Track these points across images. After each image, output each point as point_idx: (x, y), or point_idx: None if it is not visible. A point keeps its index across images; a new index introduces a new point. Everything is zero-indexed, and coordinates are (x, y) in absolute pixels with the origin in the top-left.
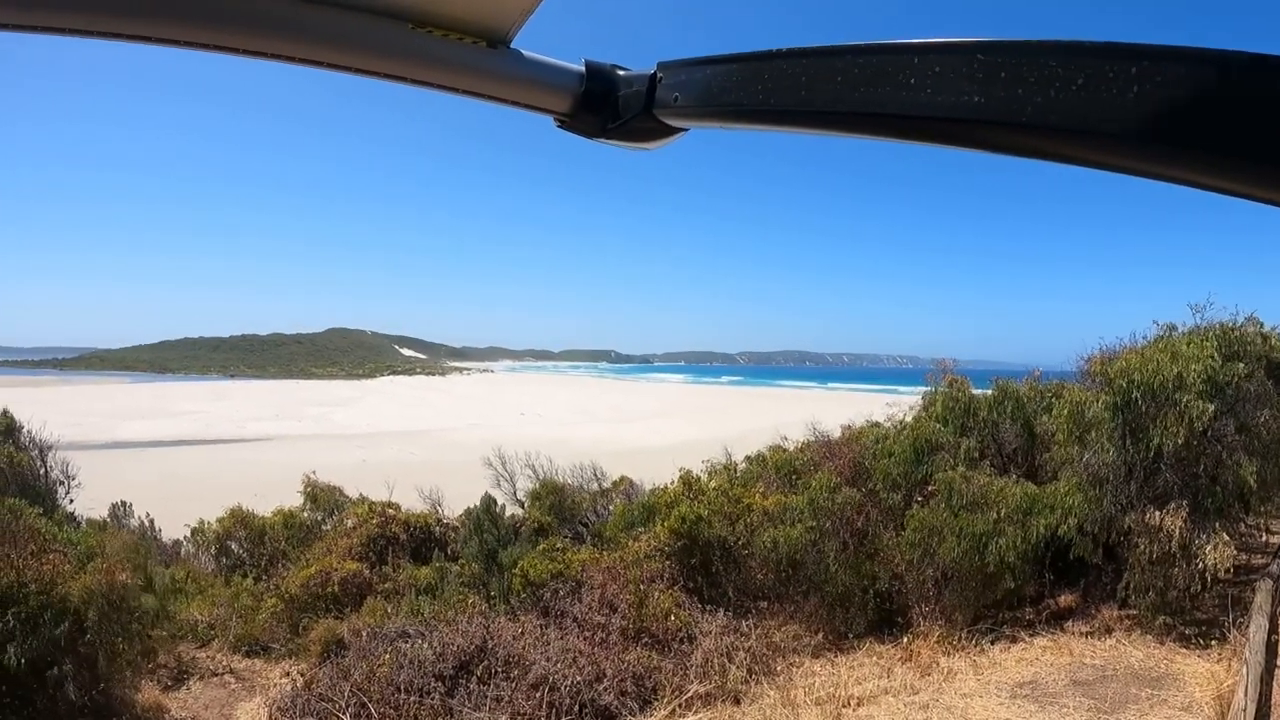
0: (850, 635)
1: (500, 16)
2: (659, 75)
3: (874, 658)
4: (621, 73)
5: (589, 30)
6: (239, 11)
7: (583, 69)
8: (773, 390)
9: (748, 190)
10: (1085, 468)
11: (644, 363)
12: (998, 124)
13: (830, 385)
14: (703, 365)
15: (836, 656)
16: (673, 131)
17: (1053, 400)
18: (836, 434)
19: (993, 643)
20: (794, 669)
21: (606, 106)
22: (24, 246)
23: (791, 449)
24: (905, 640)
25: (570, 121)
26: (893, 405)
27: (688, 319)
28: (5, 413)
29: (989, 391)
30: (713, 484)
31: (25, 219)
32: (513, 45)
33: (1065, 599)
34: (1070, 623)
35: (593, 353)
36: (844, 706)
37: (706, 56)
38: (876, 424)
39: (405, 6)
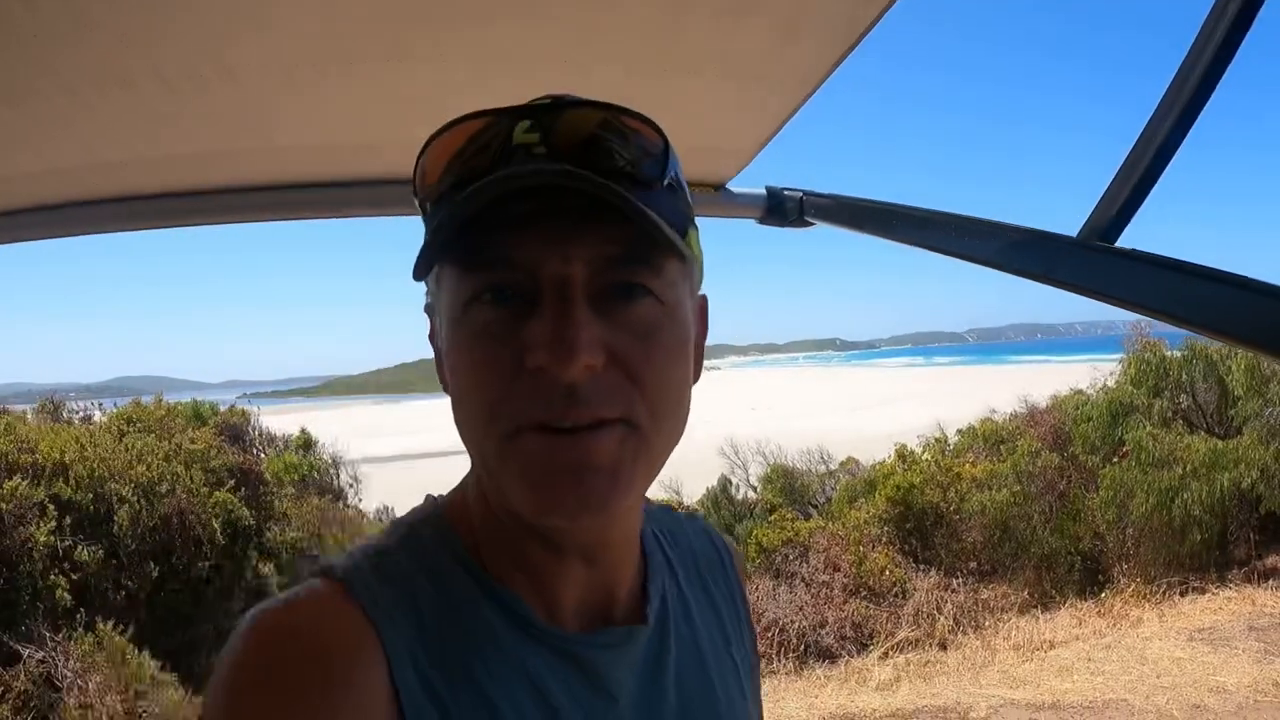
0: (1055, 594)
1: (722, 175)
2: (803, 196)
3: (1073, 612)
4: (786, 192)
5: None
6: None
7: (764, 191)
8: (999, 368)
9: (948, 139)
10: (1265, 422)
11: (870, 348)
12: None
13: (1059, 357)
14: (930, 346)
15: (1040, 614)
16: (812, 224)
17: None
18: (1044, 404)
19: (1182, 595)
20: (999, 624)
21: (780, 211)
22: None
23: (1000, 420)
24: (1103, 596)
25: (761, 219)
26: (1100, 371)
27: (912, 299)
28: (304, 430)
29: (1179, 352)
30: (926, 455)
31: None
32: (727, 186)
33: (1273, 559)
34: (1272, 581)
35: (818, 342)
36: (1037, 649)
37: (832, 194)
38: (1079, 391)
39: None
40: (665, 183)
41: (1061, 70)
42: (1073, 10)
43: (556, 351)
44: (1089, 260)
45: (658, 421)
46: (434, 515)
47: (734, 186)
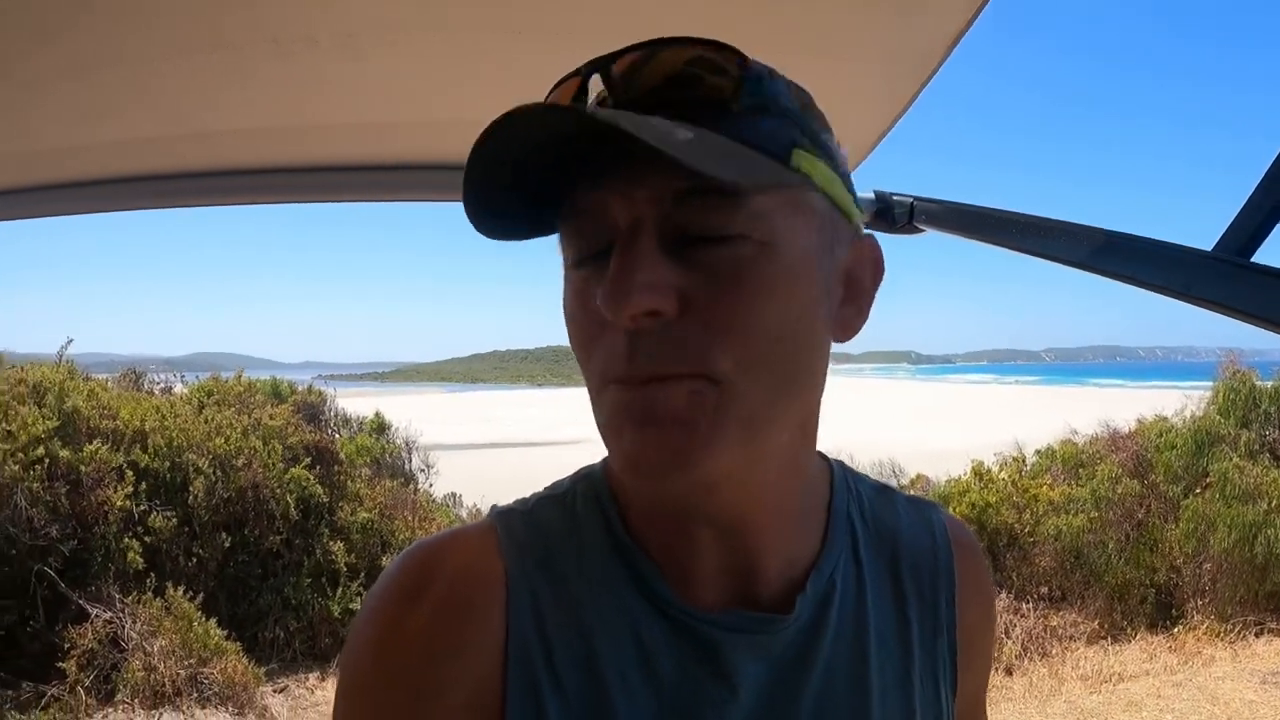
0: (1126, 626)
1: None
2: (914, 201)
3: (1144, 645)
4: (895, 197)
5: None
6: None
7: (872, 195)
8: (1077, 389)
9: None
10: None
11: (945, 363)
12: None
13: (1138, 382)
14: (1006, 364)
15: (1110, 645)
16: (922, 231)
17: None
18: (1125, 429)
19: (1257, 636)
20: (1067, 652)
21: (888, 216)
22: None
23: (1080, 442)
24: (1176, 631)
25: (867, 224)
26: (1189, 399)
27: (989, 314)
28: (378, 414)
29: (1271, 383)
30: (1003, 474)
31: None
32: None
33: None
34: None
35: (892, 354)
36: (1105, 681)
37: (939, 199)
38: (1163, 418)
39: None
40: (747, 105)
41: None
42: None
43: (608, 299)
44: (1226, 276)
45: (750, 373)
46: (597, 474)
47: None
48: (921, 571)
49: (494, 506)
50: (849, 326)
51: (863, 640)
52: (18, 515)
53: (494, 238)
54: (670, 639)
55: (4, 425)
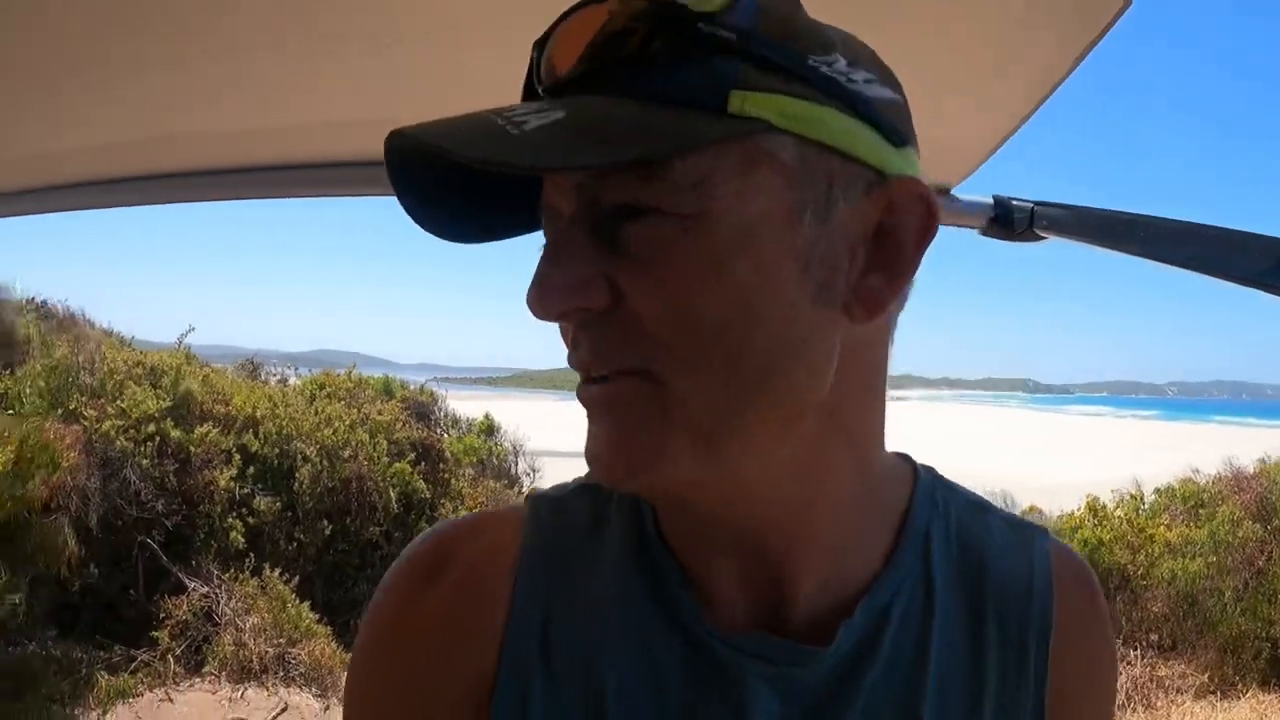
0: (1237, 680)
1: (947, 179)
2: (1034, 207)
3: (1255, 704)
4: (1015, 202)
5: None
6: None
7: (991, 199)
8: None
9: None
10: None
11: (1063, 393)
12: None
13: (1265, 421)
14: (1126, 396)
15: (1218, 700)
16: (1043, 238)
17: None
18: (1250, 469)
19: None
20: (1173, 705)
21: (1007, 222)
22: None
23: (1202, 481)
24: None
25: (984, 230)
26: None
27: (1111, 343)
28: (487, 416)
29: None
30: (1118, 512)
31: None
32: (951, 191)
33: None
34: None
35: (1010, 381)
36: None
37: (1062, 203)
38: None
39: None
40: (661, 52)
41: None
42: None
43: (529, 301)
44: None
45: (690, 373)
46: None
47: (959, 193)
48: (1009, 608)
49: (533, 489)
50: (875, 300)
51: (917, 685)
52: (126, 488)
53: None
54: (684, 657)
55: (118, 403)
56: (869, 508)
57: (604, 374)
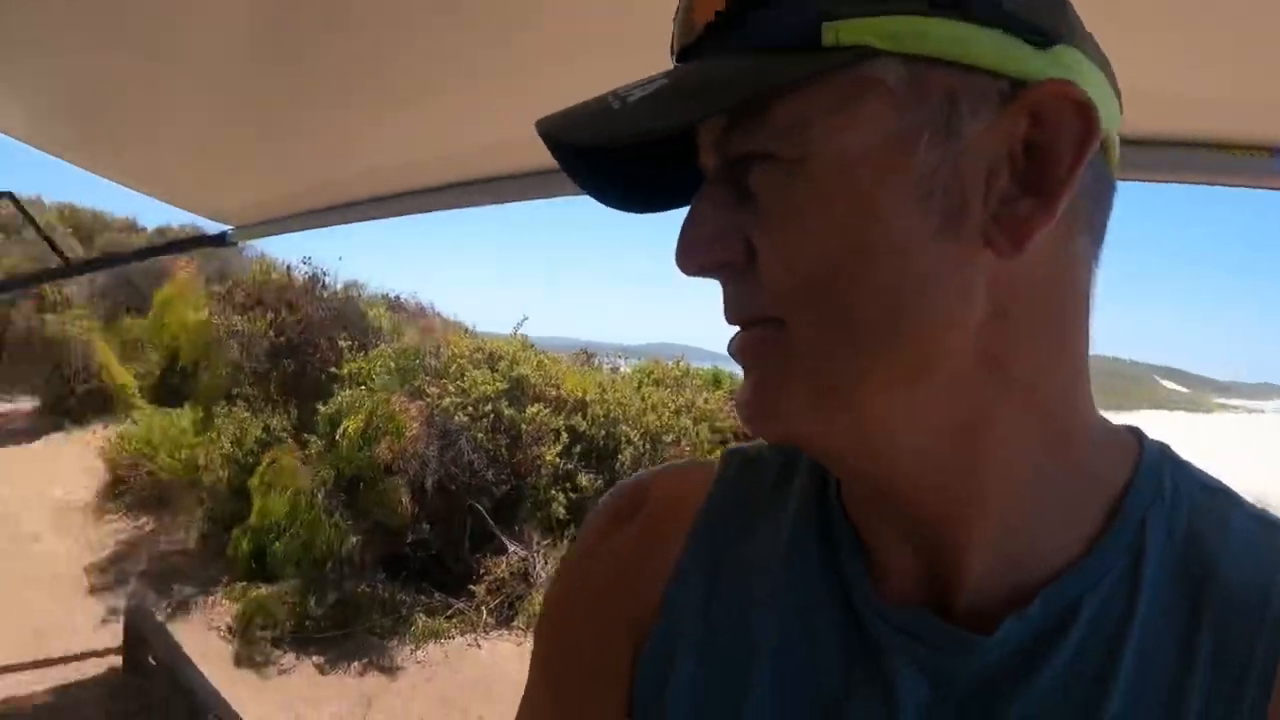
0: None
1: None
2: None
3: None
4: None
5: None
6: None
7: None
8: None
9: None
10: None
11: None
12: None
13: None
14: None
15: None
16: None
17: None
18: None
19: None
20: None
21: None
22: None
23: None
24: None
25: None
26: None
27: None
28: None
29: None
30: None
31: None
32: None
33: None
34: None
35: None
36: None
37: None
38: None
39: None
40: (748, 6)
41: None
42: None
43: (676, 259)
44: None
45: (804, 316)
46: None
47: None
48: (1235, 621)
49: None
50: (1020, 228)
51: (1098, 701)
52: (460, 458)
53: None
54: (841, 626)
55: (459, 383)
56: (1065, 483)
57: (743, 321)
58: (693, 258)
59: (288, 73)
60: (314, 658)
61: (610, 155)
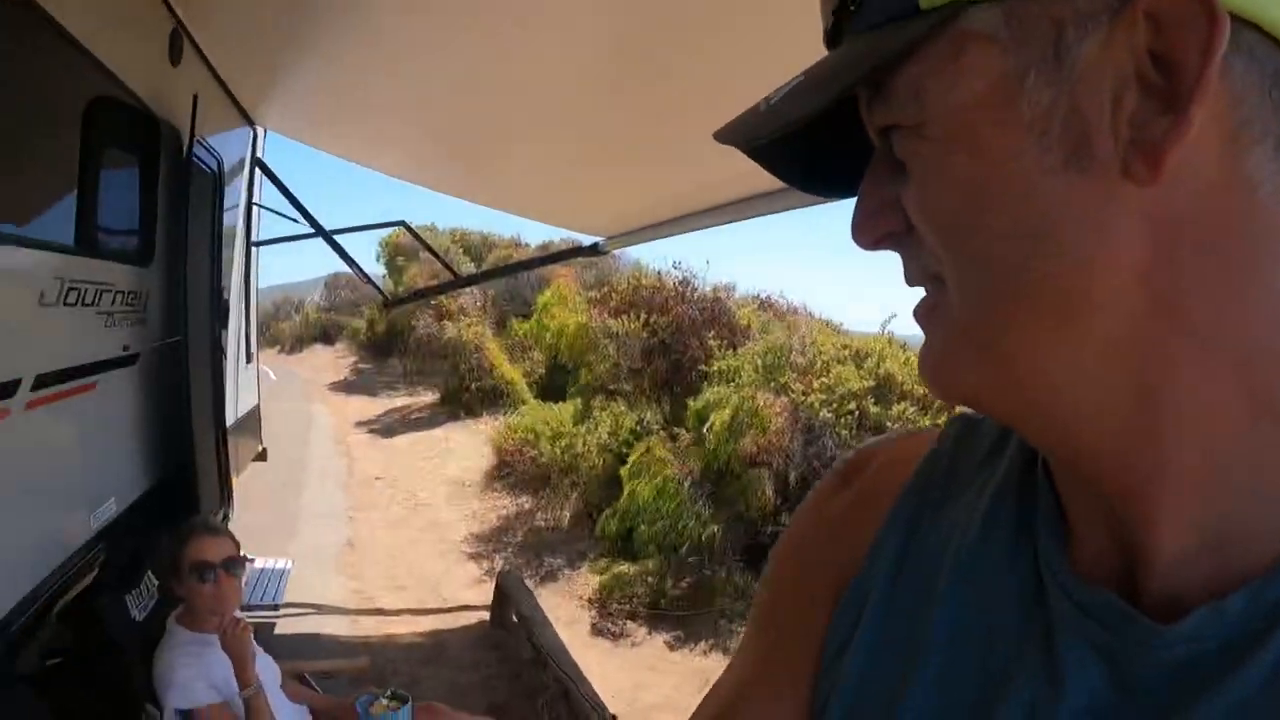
0: None
1: None
2: None
3: None
4: None
5: None
6: None
7: None
8: None
9: None
10: None
11: None
12: None
13: None
14: None
15: None
16: None
17: None
18: None
19: None
20: None
21: None
22: None
23: None
24: None
25: None
26: None
27: None
28: None
29: None
30: None
31: None
32: None
33: None
34: None
35: None
36: None
37: None
38: None
39: None
40: None
41: None
42: None
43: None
44: None
45: (950, 272)
46: None
47: None
48: None
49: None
50: (1154, 150)
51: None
52: (823, 453)
53: None
54: (1023, 596)
55: (824, 380)
56: None
57: (915, 284)
58: (863, 233)
59: (636, 106)
60: (664, 634)
61: (806, 149)
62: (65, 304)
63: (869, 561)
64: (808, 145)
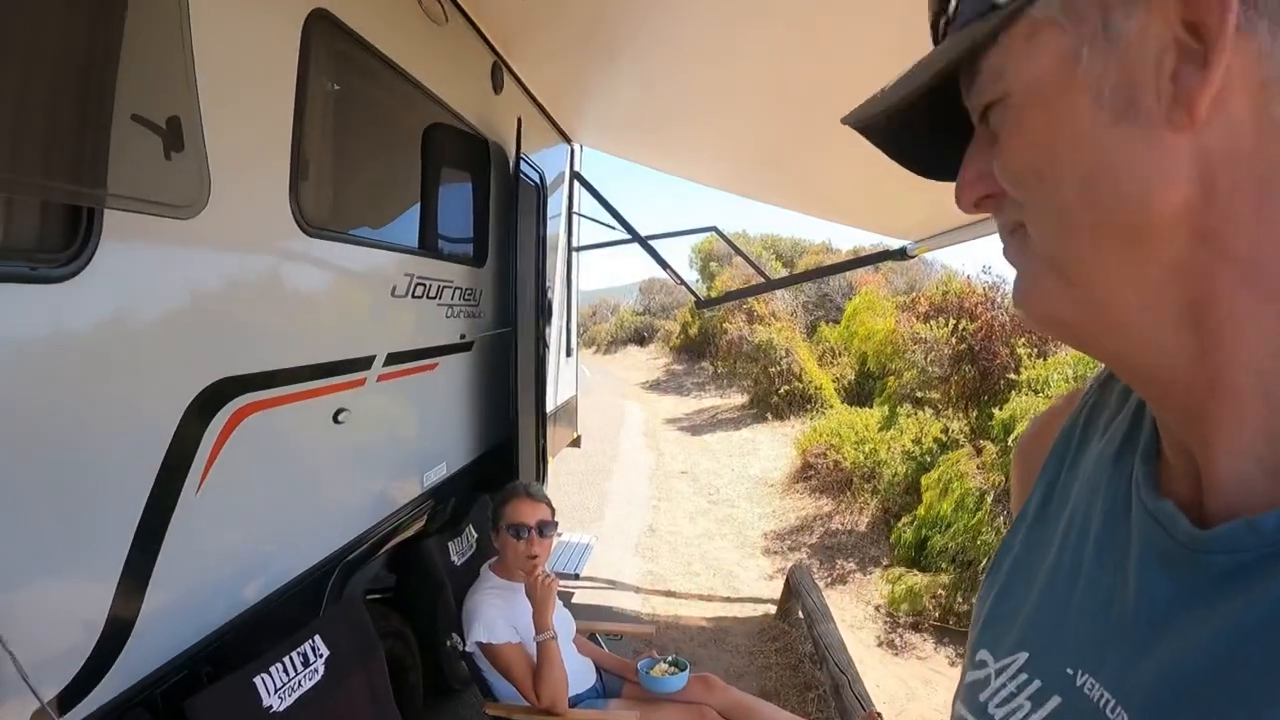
0: None
1: None
2: None
3: None
4: None
5: None
6: None
7: None
8: None
9: None
10: None
11: None
12: None
13: None
14: None
15: None
16: None
17: None
18: None
19: None
20: None
21: None
22: None
23: None
24: None
25: None
26: None
27: None
28: None
29: None
30: None
31: None
32: None
33: None
34: None
35: None
36: None
37: None
38: None
39: None
40: None
41: None
42: None
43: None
44: None
45: (1029, 215)
46: None
47: None
48: None
49: None
50: (1189, 99)
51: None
52: None
53: None
54: (1115, 513)
55: None
56: None
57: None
58: (964, 197)
59: None
60: (948, 649)
61: (927, 139)
62: (413, 296)
63: (1029, 499)
64: (929, 136)
